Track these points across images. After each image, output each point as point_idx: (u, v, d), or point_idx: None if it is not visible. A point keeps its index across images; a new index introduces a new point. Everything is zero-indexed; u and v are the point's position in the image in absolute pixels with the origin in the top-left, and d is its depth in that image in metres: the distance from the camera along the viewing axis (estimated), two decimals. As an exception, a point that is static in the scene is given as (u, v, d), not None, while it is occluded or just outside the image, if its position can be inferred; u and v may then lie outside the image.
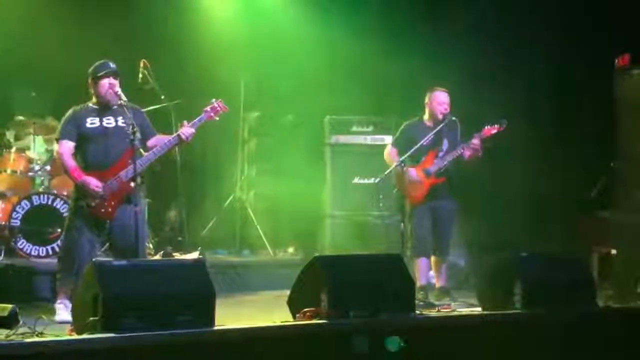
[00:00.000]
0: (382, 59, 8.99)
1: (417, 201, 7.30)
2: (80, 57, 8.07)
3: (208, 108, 6.35)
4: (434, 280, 7.48)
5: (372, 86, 9.07)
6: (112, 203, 6.07)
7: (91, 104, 6.25)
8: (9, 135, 8.44)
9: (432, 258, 7.36)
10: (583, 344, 5.90)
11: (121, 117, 6.14)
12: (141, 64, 8.27)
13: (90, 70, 6.23)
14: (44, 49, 8.44)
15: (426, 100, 7.46)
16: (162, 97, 8.12)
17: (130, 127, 5.92)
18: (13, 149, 8.27)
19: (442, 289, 7.30)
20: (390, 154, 7.43)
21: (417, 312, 5.90)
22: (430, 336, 5.60)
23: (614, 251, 7.61)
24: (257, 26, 9.40)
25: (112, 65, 6.20)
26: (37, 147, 8.40)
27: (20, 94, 8.80)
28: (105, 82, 6.13)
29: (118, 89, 6.14)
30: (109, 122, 6.17)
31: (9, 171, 8.16)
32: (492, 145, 7.38)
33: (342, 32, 8.97)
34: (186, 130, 6.22)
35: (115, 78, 6.17)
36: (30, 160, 8.27)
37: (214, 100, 6.39)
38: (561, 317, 5.98)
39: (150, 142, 6.31)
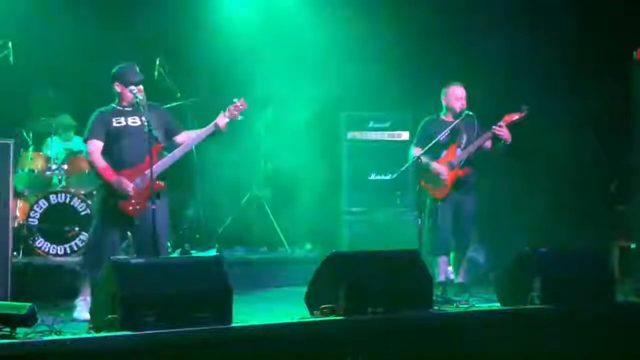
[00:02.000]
0: (398, 55, 8.95)
1: (441, 195, 7.24)
2: (98, 56, 8.13)
3: (231, 107, 6.35)
4: (452, 276, 7.44)
5: (389, 82, 9.03)
6: (140, 201, 6.10)
7: (114, 104, 6.32)
8: (27, 134, 8.46)
9: (452, 254, 7.33)
10: (603, 339, 5.86)
11: (142, 117, 6.20)
12: (157, 62, 8.29)
13: (118, 73, 6.26)
14: (62, 48, 8.47)
15: (443, 96, 7.43)
16: (178, 94, 8.13)
17: (147, 125, 5.98)
18: (30, 148, 8.30)
19: (462, 285, 7.25)
20: (416, 154, 7.37)
21: (435, 308, 5.88)
22: (448, 332, 5.59)
23: (633, 246, 7.55)
24: (273, 24, 9.38)
25: (139, 72, 6.27)
26: (54, 147, 8.42)
27: (38, 94, 8.83)
28: (133, 89, 6.20)
29: (142, 93, 6.22)
30: (134, 121, 6.24)
31: (26, 170, 8.19)
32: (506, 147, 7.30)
33: (358, 29, 8.94)
34: (223, 120, 6.26)
35: (141, 85, 6.27)
36: (47, 160, 8.30)
37: (235, 99, 6.39)
38: (581, 312, 5.95)
39: (179, 138, 6.35)
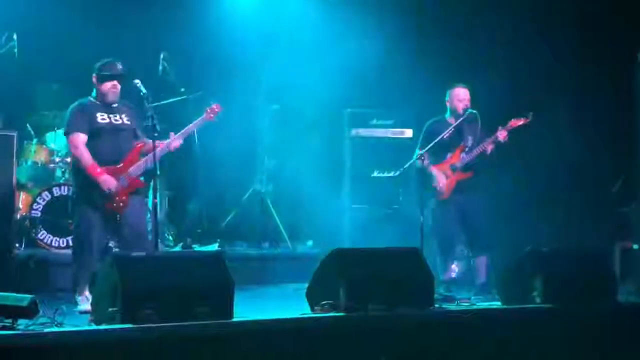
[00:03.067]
0: (402, 52, 8.94)
1: (442, 197, 7.24)
2: (102, 49, 8.11)
3: (208, 109, 6.55)
4: (453, 275, 7.43)
5: (393, 79, 9.03)
6: (124, 198, 6.20)
7: (92, 99, 6.34)
8: (30, 127, 8.47)
9: (479, 257, 7.24)
10: (603, 339, 5.86)
11: (125, 115, 6.32)
12: (162, 56, 8.29)
13: (97, 67, 6.32)
14: (67, 42, 8.47)
15: (446, 98, 7.42)
16: (182, 89, 8.13)
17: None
18: (34, 141, 8.31)
19: (483, 286, 7.10)
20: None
21: (436, 306, 5.88)
22: (449, 330, 5.59)
23: (635, 246, 7.54)
24: (278, 19, 9.37)
25: (119, 67, 6.31)
26: (58, 140, 8.43)
27: (42, 87, 8.84)
28: (108, 84, 6.26)
29: (118, 91, 6.28)
30: (117, 119, 6.32)
31: (29, 162, 8.20)
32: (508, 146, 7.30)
33: (362, 25, 8.92)
34: (175, 142, 6.37)
35: (119, 81, 6.29)
36: (50, 152, 8.31)
37: (212, 102, 6.60)
38: (582, 312, 5.95)
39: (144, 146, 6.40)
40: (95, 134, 6.23)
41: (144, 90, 6.25)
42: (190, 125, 6.52)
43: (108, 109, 6.30)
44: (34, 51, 8.21)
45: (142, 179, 6.35)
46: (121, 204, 6.17)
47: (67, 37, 8.47)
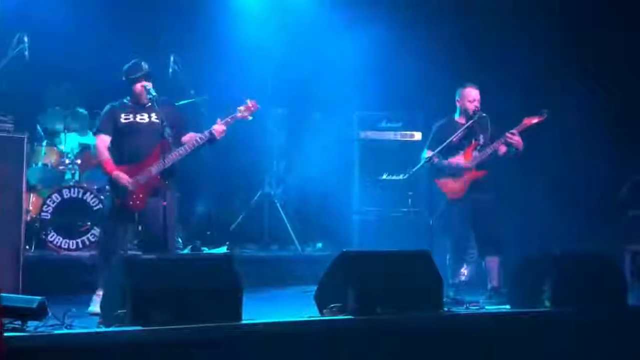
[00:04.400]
0: (411, 55, 8.93)
1: (457, 196, 7.19)
2: (112, 51, 8.15)
3: (242, 107, 6.48)
4: (463, 278, 7.40)
5: (402, 82, 9.02)
6: (141, 196, 6.23)
7: (126, 100, 6.44)
8: (40, 129, 8.50)
9: (490, 258, 7.13)
10: (613, 343, 5.84)
11: (154, 114, 6.33)
12: (172, 59, 8.31)
13: (125, 69, 6.41)
14: (77, 44, 8.49)
15: (457, 97, 7.38)
16: (192, 91, 8.15)
17: (162, 123, 6.10)
18: (44, 143, 8.33)
19: (496, 290, 7.00)
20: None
21: (445, 309, 5.86)
22: (458, 333, 5.57)
23: (645, 250, 7.52)
24: (287, 21, 9.38)
25: (145, 66, 6.37)
26: (68, 141, 8.46)
27: (52, 89, 8.87)
28: (138, 85, 6.34)
29: (150, 89, 6.29)
30: (142, 118, 6.36)
31: (40, 164, 8.24)
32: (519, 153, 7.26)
33: (371, 28, 8.92)
34: (219, 127, 6.36)
35: (147, 80, 6.35)
36: (61, 154, 8.34)
37: (247, 100, 6.51)
38: (591, 316, 5.92)
39: (184, 138, 6.45)
40: (118, 133, 6.34)
41: (153, 94, 6.28)
42: (228, 118, 6.41)
43: (137, 108, 6.36)
44: (45, 53, 8.21)
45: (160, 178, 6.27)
46: (138, 202, 6.20)
47: (77, 40, 8.50)
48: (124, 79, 6.39)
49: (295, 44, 9.30)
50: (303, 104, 9.56)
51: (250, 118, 6.51)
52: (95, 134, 6.46)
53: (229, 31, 9.18)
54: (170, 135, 6.13)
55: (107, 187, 6.53)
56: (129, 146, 6.31)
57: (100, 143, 6.35)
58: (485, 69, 8.29)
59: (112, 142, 6.35)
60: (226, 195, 9.43)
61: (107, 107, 6.44)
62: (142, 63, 6.37)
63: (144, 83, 6.31)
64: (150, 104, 6.31)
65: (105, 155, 6.31)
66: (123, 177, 6.19)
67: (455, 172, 7.17)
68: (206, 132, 6.36)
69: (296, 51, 9.29)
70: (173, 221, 6.37)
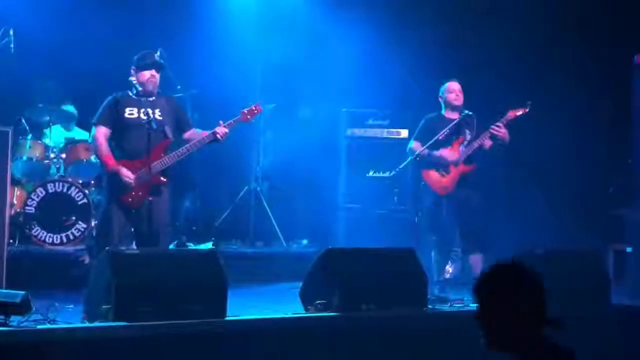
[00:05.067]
0: (399, 53, 8.95)
1: (445, 191, 7.21)
2: (99, 46, 8.13)
3: (245, 110, 6.44)
4: (448, 276, 7.42)
5: (389, 79, 9.03)
6: (140, 193, 6.14)
7: (131, 93, 6.33)
8: (25, 122, 8.45)
9: (473, 256, 7.19)
10: (596, 341, 5.86)
11: (158, 110, 6.27)
12: (158, 53, 8.27)
13: (135, 58, 6.33)
14: (63, 38, 8.45)
15: (440, 94, 7.45)
16: (178, 87, 8.12)
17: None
18: (29, 137, 8.29)
19: None
20: (415, 148, 7.35)
21: (430, 306, 5.88)
22: (441, 331, 5.59)
23: (629, 249, 7.56)
24: (276, 18, 9.37)
25: (157, 57, 6.37)
26: (53, 135, 8.42)
27: (38, 83, 8.82)
28: (147, 73, 6.25)
29: (157, 81, 6.26)
30: (147, 113, 6.24)
31: (24, 158, 8.18)
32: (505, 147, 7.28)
33: (359, 24, 8.92)
34: (221, 129, 6.29)
35: (157, 71, 6.30)
36: (46, 148, 8.29)
37: (252, 103, 6.49)
38: (575, 314, 5.94)
39: (186, 135, 6.40)
40: (121, 128, 6.22)
41: (139, 88, 6.24)
42: (231, 121, 6.36)
43: (142, 103, 6.25)
44: (30, 47, 8.19)
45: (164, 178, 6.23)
46: (137, 199, 6.10)
47: (63, 34, 8.45)
48: (132, 67, 6.29)
49: (283, 40, 9.28)
50: (291, 100, 9.55)
51: (252, 121, 6.51)
52: (94, 124, 6.27)
53: (218, 27, 9.15)
54: (172, 134, 6.14)
55: (103, 182, 6.38)
56: (131, 141, 6.19)
57: (100, 135, 6.20)
58: (471, 68, 8.31)
59: (112, 135, 6.22)
60: (212, 191, 9.41)
61: (110, 98, 6.29)
62: (155, 53, 6.34)
63: (153, 73, 6.24)
64: (154, 98, 6.24)
65: (106, 148, 6.17)
66: (125, 173, 6.08)
67: (444, 166, 7.20)
68: (209, 133, 6.27)
69: (284, 47, 9.27)
70: (166, 220, 6.35)
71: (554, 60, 8.92)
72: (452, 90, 7.34)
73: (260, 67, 9.42)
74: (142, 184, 6.12)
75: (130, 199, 6.11)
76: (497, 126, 7.13)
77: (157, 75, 6.28)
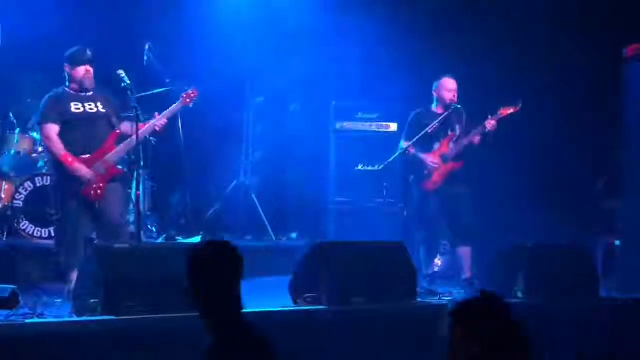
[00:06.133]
0: (388, 45, 8.93)
1: (433, 187, 7.21)
2: (87, 40, 8.06)
3: (184, 94, 6.53)
4: (436, 269, 7.43)
5: (378, 72, 9.02)
6: (101, 185, 6.20)
7: (67, 88, 6.36)
8: (13, 116, 8.41)
9: (462, 248, 7.18)
10: (585, 333, 5.88)
11: (100, 103, 6.33)
12: (147, 47, 8.25)
13: (67, 55, 6.37)
14: (51, 32, 8.40)
15: (434, 88, 7.41)
16: (167, 80, 8.09)
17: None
18: (17, 131, 8.26)
19: (469, 281, 7.01)
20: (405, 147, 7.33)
21: (419, 299, 5.89)
22: (431, 323, 5.59)
23: (618, 242, 7.58)
24: (264, 11, 9.33)
25: (89, 53, 6.36)
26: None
27: (26, 77, 8.78)
28: (82, 69, 6.30)
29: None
30: (91, 107, 6.32)
31: (12, 152, 8.16)
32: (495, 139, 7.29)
33: (349, 18, 8.91)
34: (159, 121, 6.37)
35: (91, 66, 6.34)
36: (34, 142, 8.26)
37: (186, 88, 6.59)
38: (564, 307, 5.97)
39: (122, 127, 6.43)
40: (70, 123, 6.25)
41: (127, 81, 6.25)
42: (171, 107, 6.48)
43: (83, 97, 6.31)
44: (18, 41, 8.15)
45: (121, 167, 6.36)
46: (99, 191, 6.16)
47: (51, 27, 8.40)
48: (65, 64, 6.33)
49: (272, 34, 9.26)
50: (280, 94, 9.53)
51: (191, 105, 6.54)
52: (41, 122, 6.28)
53: (207, 20, 9.11)
54: (117, 124, 6.24)
55: (58, 177, 6.33)
56: (81, 136, 6.23)
57: (52, 133, 6.21)
58: (462, 61, 8.30)
59: (60, 132, 6.23)
60: (201, 184, 9.39)
61: (50, 96, 6.32)
62: (86, 49, 6.35)
63: (88, 68, 6.28)
64: (91, 92, 6.29)
65: (61, 146, 6.18)
66: (83, 170, 6.13)
67: (431, 163, 7.19)
68: (149, 125, 6.32)
69: (274, 41, 9.25)
70: (124, 208, 6.46)
71: (542, 55, 8.93)
72: (450, 89, 7.28)
73: (250, 61, 9.39)
74: (102, 176, 6.19)
75: (92, 192, 6.16)
76: (489, 123, 7.13)
77: (92, 70, 6.32)
